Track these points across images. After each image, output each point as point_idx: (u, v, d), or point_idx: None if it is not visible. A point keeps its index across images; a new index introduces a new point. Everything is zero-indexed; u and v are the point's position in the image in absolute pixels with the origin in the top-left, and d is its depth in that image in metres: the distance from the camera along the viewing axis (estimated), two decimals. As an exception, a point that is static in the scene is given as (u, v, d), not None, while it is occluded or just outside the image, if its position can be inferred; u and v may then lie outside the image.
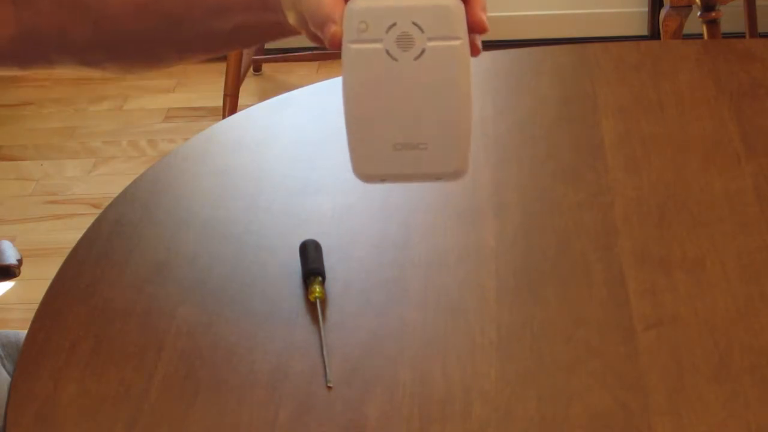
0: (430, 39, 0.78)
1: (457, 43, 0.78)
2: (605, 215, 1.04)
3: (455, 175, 0.81)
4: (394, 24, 0.77)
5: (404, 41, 0.78)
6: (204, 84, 2.94)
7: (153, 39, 0.96)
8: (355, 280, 0.98)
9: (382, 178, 0.81)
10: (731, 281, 0.96)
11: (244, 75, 2.65)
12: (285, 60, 2.78)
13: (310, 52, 2.71)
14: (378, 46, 0.78)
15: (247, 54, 2.69)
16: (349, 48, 0.78)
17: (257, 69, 2.99)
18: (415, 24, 0.77)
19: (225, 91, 2.60)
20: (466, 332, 0.92)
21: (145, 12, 0.94)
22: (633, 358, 0.89)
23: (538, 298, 0.95)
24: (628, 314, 0.93)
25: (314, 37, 0.85)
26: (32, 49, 0.97)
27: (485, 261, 1.00)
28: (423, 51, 0.78)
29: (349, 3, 0.78)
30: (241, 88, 2.65)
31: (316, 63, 3.01)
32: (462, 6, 0.78)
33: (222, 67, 2.66)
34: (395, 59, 0.78)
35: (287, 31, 0.91)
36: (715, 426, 0.83)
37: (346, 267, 1.00)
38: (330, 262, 0.99)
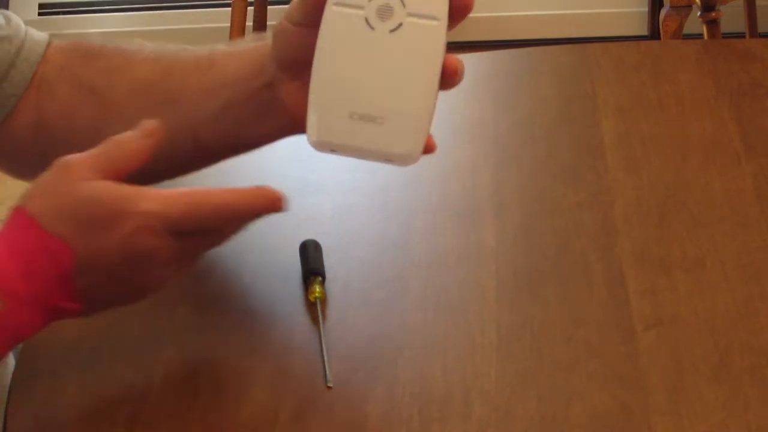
0: (409, 14, 0.78)
1: (434, 23, 0.79)
2: (605, 215, 1.04)
3: (405, 159, 0.81)
4: None
5: (384, 11, 0.79)
6: (204, 84, 2.93)
7: None
8: (355, 280, 0.98)
9: (334, 148, 0.81)
10: (731, 281, 0.96)
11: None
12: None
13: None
14: (358, 12, 0.79)
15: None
16: (330, 8, 0.79)
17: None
18: None
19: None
20: (466, 332, 0.92)
21: (147, 95, 0.95)
22: (633, 358, 0.89)
23: (538, 298, 0.95)
24: (628, 314, 0.93)
25: (292, 76, 0.87)
26: (45, 137, 0.97)
27: (485, 261, 1.00)
28: (400, 25, 0.79)
29: None
30: (241, 88, 2.65)
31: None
32: None
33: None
34: (372, 28, 0.79)
35: (273, 102, 0.91)
36: (715, 426, 0.83)
37: (346, 267, 0.99)
38: (330, 262, 0.99)
